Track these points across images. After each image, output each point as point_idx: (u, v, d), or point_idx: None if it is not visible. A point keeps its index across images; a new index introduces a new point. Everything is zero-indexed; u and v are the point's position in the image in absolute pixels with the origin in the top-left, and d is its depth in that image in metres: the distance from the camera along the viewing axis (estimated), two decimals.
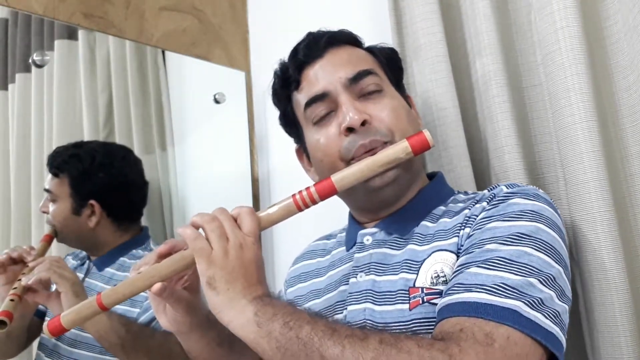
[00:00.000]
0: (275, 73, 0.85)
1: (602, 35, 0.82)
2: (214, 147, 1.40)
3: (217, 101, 1.40)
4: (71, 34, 1.15)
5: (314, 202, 0.67)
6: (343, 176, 0.68)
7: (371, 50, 0.84)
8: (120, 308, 1.00)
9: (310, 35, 0.82)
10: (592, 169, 0.75)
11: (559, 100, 0.78)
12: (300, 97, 0.80)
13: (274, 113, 1.43)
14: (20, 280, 0.89)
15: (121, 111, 1.20)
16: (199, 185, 1.33)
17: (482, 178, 0.93)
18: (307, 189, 0.67)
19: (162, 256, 0.69)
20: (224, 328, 0.79)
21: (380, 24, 0.85)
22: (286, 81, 0.82)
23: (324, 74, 0.77)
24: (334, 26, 0.83)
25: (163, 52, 1.30)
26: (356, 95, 0.76)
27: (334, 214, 0.98)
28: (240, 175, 1.42)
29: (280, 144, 1.43)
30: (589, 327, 0.77)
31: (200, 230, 0.66)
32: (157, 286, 0.66)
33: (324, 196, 0.68)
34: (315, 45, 0.79)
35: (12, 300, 0.85)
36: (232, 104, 1.43)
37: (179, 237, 0.70)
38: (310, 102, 0.77)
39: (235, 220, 0.65)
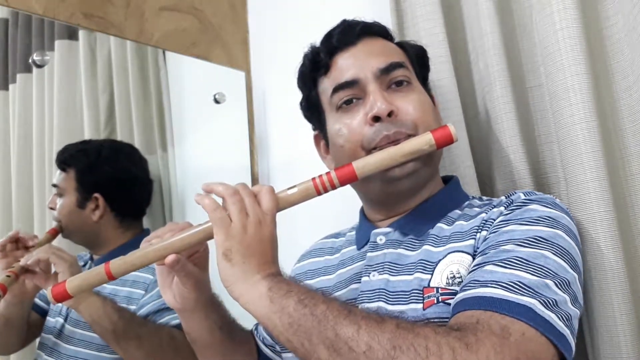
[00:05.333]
0: (305, 56, 0.84)
1: (602, 35, 0.82)
2: (214, 147, 1.40)
3: (217, 101, 1.40)
4: (72, 34, 1.15)
5: (334, 187, 0.67)
6: (365, 163, 0.68)
7: (402, 45, 0.84)
8: None
9: (345, 22, 0.82)
10: (592, 169, 0.75)
11: (559, 101, 0.79)
12: (329, 83, 0.79)
13: (274, 113, 1.45)
14: (19, 261, 0.90)
15: (122, 111, 1.21)
16: (199, 185, 1.32)
17: (483, 179, 0.94)
18: (328, 173, 0.68)
19: (175, 231, 0.69)
20: (226, 312, 0.80)
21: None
22: (316, 65, 0.81)
23: (355, 62, 0.77)
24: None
25: (164, 52, 1.30)
26: (385, 86, 0.76)
27: (333, 213, 0.99)
28: (240, 175, 1.43)
29: (280, 144, 1.43)
30: (589, 326, 0.77)
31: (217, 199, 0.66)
32: (171, 257, 0.67)
33: (344, 182, 0.68)
34: (349, 33, 0.79)
35: (8, 276, 0.86)
36: (232, 104, 1.43)
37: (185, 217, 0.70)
38: (339, 88, 0.77)
39: (255, 197, 0.66)
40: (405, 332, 0.53)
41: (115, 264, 0.67)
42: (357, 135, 0.75)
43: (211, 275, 0.75)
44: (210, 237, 0.65)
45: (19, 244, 0.96)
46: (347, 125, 0.76)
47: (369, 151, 0.74)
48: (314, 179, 0.67)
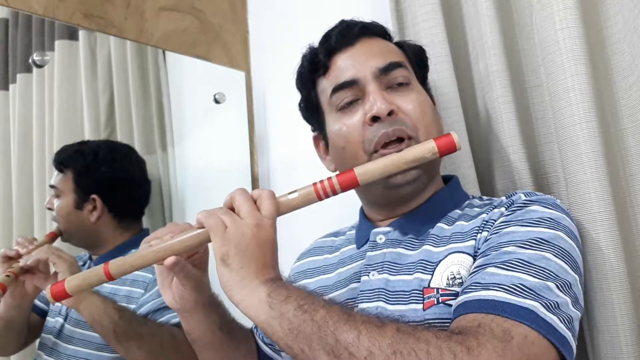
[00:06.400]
0: (304, 57, 0.84)
1: (602, 36, 0.82)
2: (214, 147, 1.40)
3: (217, 101, 1.40)
4: (72, 34, 1.15)
5: (335, 193, 0.67)
6: (367, 170, 0.68)
7: (401, 45, 0.84)
8: None
9: (343, 23, 0.81)
10: (592, 169, 0.75)
11: (559, 101, 0.79)
12: (328, 83, 0.79)
13: (274, 113, 1.45)
14: (18, 262, 0.90)
15: (122, 111, 1.21)
16: (199, 185, 1.33)
17: (483, 178, 0.94)
18: (329, 179, 0.67)
19: (175, 233, 0.69)
20: (225, 312, 0.80)
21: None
22: (315, 66, 0.81)
23: (354, 62, 0.77)
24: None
25: (164, 52, 1.30)
26: (384, 86, 0.76)
27: (333, 212, 0.98)
28: (240, 175, 1.43)
29: (280, 144, 1.43)
30: (589, 326, 0.77)
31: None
32: (171, 259, 0.66)
33: (345, 188, 0.67)
34: (348, 33, 0.79)
35: (7, 275, 0.87)
36: (232, 104, 1.43)
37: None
38: (338, 89, 0.77)
39: (255, 201, 0.65)
40: (406, 337, 0.52)
41: (114, 264, 0.67)
42: (357, 136, 0.75)
43: (211, 276, 0.75)
44: (210, 239, 0.65)
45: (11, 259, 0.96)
46: (346, 126, 0.76)
47: (369, 153, 0.74)
48: (315, 184, 0.67)
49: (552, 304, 0.56)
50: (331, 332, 0.55)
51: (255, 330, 0.90)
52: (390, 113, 0.73)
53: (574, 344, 0.57)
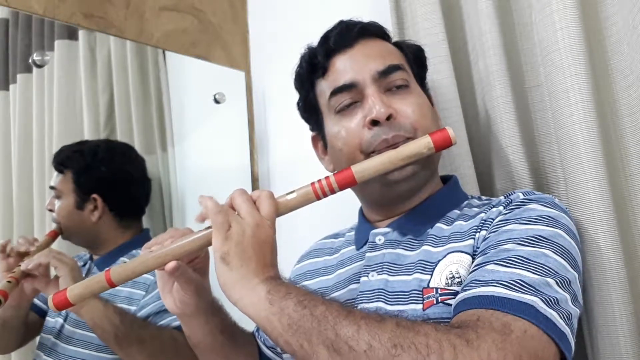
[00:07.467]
0: (302, 57, 0.84)
1: (602, 35, 0.82)
2: (214, 147, 1.40)
3: (217, 101, 1.41)
4: (71, 34, 1.15)
5: (333, 192, 0.67)
6: (364, 167, 0.68)
7: (400, 45, 0.84)
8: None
9: (342, 24, 0.81)
10: (591, 169, 0.75)
11: (558, 101, 0.79)
12: (326, 85, 0.79)
13: (274, 113, 1.45)
14: (20, 265, 0.90)
15: (122, 111, 1.21)
16: (199, 185, 1.33)
17: (483, 178, 0.94)
18: (327, 178, 0.67)
19: (175, 238, 0.69)
20: (227, 316, 0.80)
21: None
22: (313, 67, 0.81)
23: (353, 64, 0.77)
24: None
25: (164, 52, 1.30)
26: (383, 89, 0.76)
27: (332, 213, 0.99)
28: (240, 175, 1.43)
29: (280, 144, 1.43)
30: (588, 326, 0.77)
31: None
32: (171, 264, 0.67)
33: (343, 186, 0.68)
34: (347, 34, 0.79)
35: (9, 282, 0.87)
36: (232, 104, 1.43)
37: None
38: (337, 92, 0.77)
39: (255, 202, 0.66)
40: (405, 331, 0.53)
41: (116, 271, 0.67)
42: (355, 138, 0.75)
43: (211, 280, 0.75)
44: (210, 243, 0.65)
45: (11, 252, 0.96)
46: (345, 129, 0.76)
47: (367, 154, 0.74)
48: (313, 183, 0.67)
49: (552, 300, 0.56)
50: (331, 326, 0.55)
51: (257, 334, 0.90)
52: (389, 117, 0.73)
53: (572, 341, 0.58)
